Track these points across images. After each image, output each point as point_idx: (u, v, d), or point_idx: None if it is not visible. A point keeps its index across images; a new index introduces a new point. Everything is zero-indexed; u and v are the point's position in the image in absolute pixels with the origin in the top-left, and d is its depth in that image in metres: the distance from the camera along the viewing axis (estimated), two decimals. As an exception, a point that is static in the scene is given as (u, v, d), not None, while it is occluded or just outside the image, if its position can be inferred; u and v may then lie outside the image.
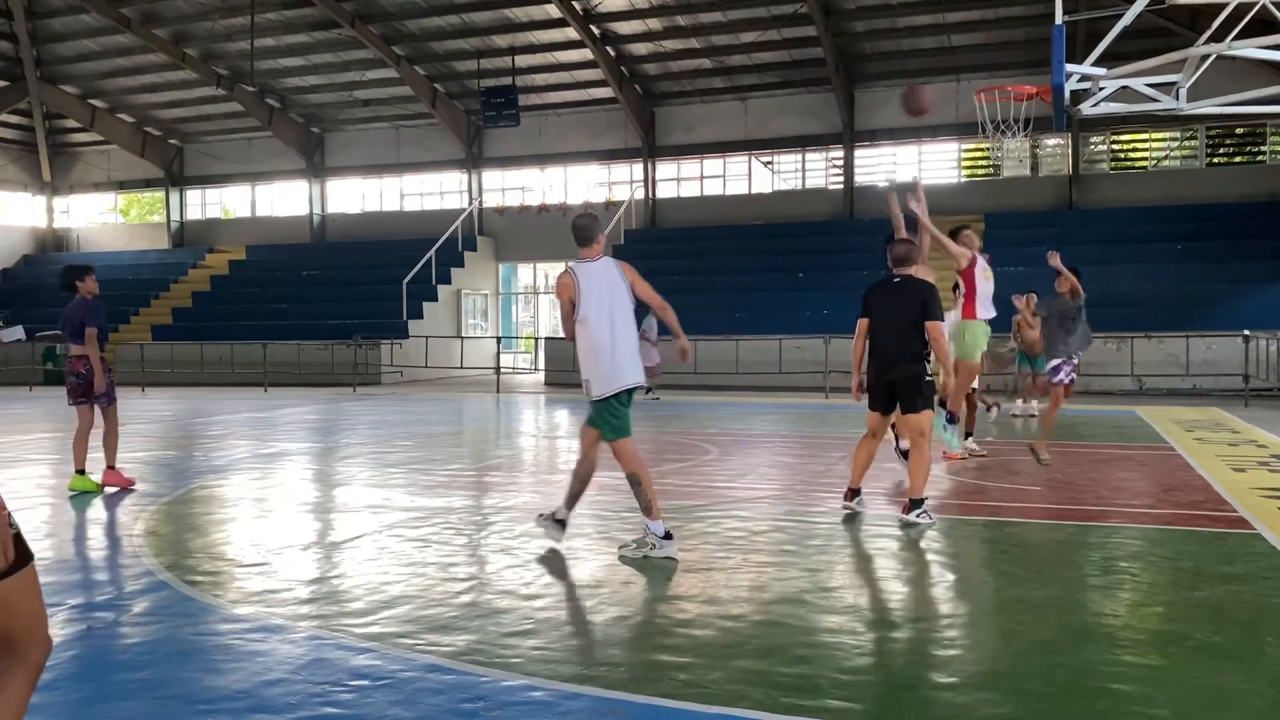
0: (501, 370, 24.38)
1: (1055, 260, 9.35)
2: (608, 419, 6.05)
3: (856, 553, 6.25)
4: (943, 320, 7.10)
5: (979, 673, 3.99)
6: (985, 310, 9.37)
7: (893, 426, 8.26)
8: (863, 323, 7.22)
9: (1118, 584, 5.41)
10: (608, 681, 3.88)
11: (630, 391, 6.09)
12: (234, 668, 4.09)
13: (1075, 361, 9.48)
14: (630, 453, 6.00)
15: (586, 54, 27.63)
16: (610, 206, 30.09)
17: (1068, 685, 3.82)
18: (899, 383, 7.00)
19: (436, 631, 4.56)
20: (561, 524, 6.26)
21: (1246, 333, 18.17)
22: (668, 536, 5.92)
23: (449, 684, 3.88)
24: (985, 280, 9.48)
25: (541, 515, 6.43)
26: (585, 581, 5.40)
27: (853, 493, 7.29)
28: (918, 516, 6.92)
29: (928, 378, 7.06)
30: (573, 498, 6.26)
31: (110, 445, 8.85)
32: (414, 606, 4.97)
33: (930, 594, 5.27)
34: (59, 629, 4.63)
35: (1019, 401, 15.67)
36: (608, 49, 27.61)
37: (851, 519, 7.13)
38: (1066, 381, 9.49)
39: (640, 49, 27.92)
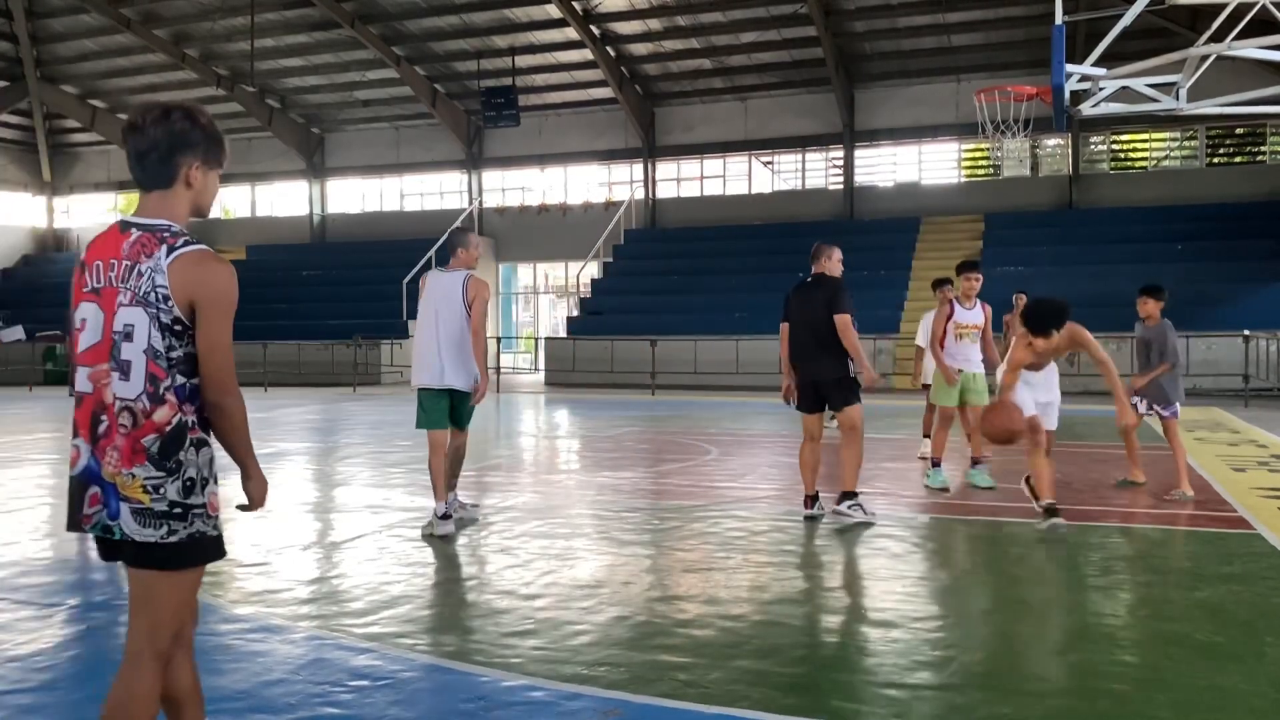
0: (502, 370, 24.38)
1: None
2: (418, 408, 6.85)
3: (856, 553, 6.25)
4: (851, 313, 6.98)
5: (979, 673, 3.99)
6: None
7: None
8: (783, 327, 7.32)
9: (1118, 584, 5.41)
10: (608, 681, 3.88)
11: (437, 391, 6.71)
12: (234, 668, 4.09)
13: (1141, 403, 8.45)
14: (432, 442, 6.74)
15: (586, 54, 27.63)
16: (610, 206, 30.09)
17: (1068, 685, 3.82)
18: (823, 384, 7.09)
19: (436, 631, 4.56)
20: (447, 518, 6.65)
21: (1246, 333, 18.17)
22: (445, 517, 6.59)
23: (449, 684, 3.88)
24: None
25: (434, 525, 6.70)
26: (585, 581, 5.40)
27: (811, 499, 7.22)
28: (849, 508, 6.95)
29: (850, 374, 7.04)
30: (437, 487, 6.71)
31: None
32: (414, 606, 4.97)
33: (930, 594, 5.27)
34: (59, 629, 4.64)
35: None
36: (608, 49, 27.61)
37: (815, 520, 7.09)
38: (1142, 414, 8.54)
39: (640, 49, 27.91)
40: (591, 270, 28.80)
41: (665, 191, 30.53)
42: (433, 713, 3.60)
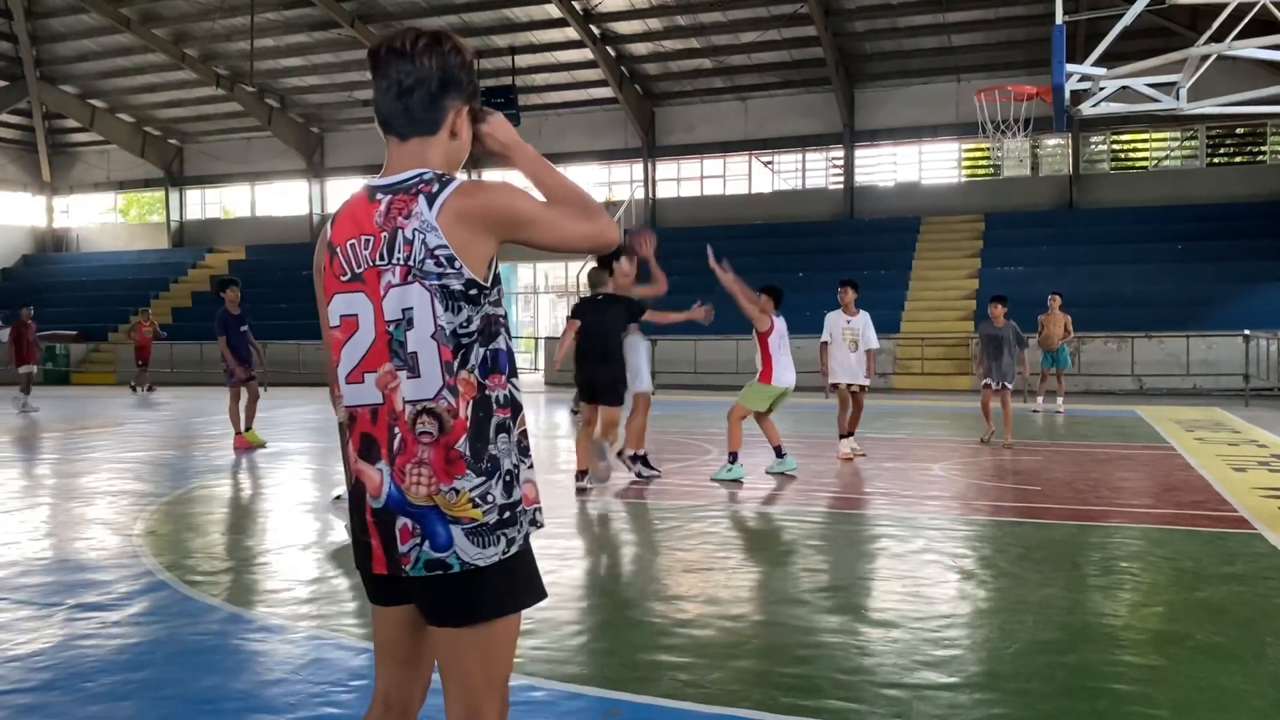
0: (501, 370, 24.36)
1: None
2: None
3: (856, 553, 6.25)
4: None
5: (979, 673, 3.99)
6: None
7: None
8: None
9: (1118, 584, 5.40)
10: (608, 681, 3.88)
11: None
12: (234, 668, 4.09)
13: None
14: None
15: (586, 54, 27.63)
16: (610, 206, 30.10)
17: (1068, 685, 3.81)
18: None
19: (436, 631, 4.55)
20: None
21: (1246, 333, 18.17)
22: None
23: (449, 684, 3.87)
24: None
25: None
26: (585, 581, 5.40)
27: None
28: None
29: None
30: None
31: (244, 413, 11.69)
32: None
33: (930, 594, 5.26)
34: (59, 629, 4.64)
35: (1039, 399, 15.88)
36: (608, 49, 27.60)
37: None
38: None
39: (640, 49, 27.91)
40: (591, 270, 28.77)
41: (665, 191, 30.53)
42: (432, 713, 3.59)
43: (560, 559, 5.95)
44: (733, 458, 8.91)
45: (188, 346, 26.84)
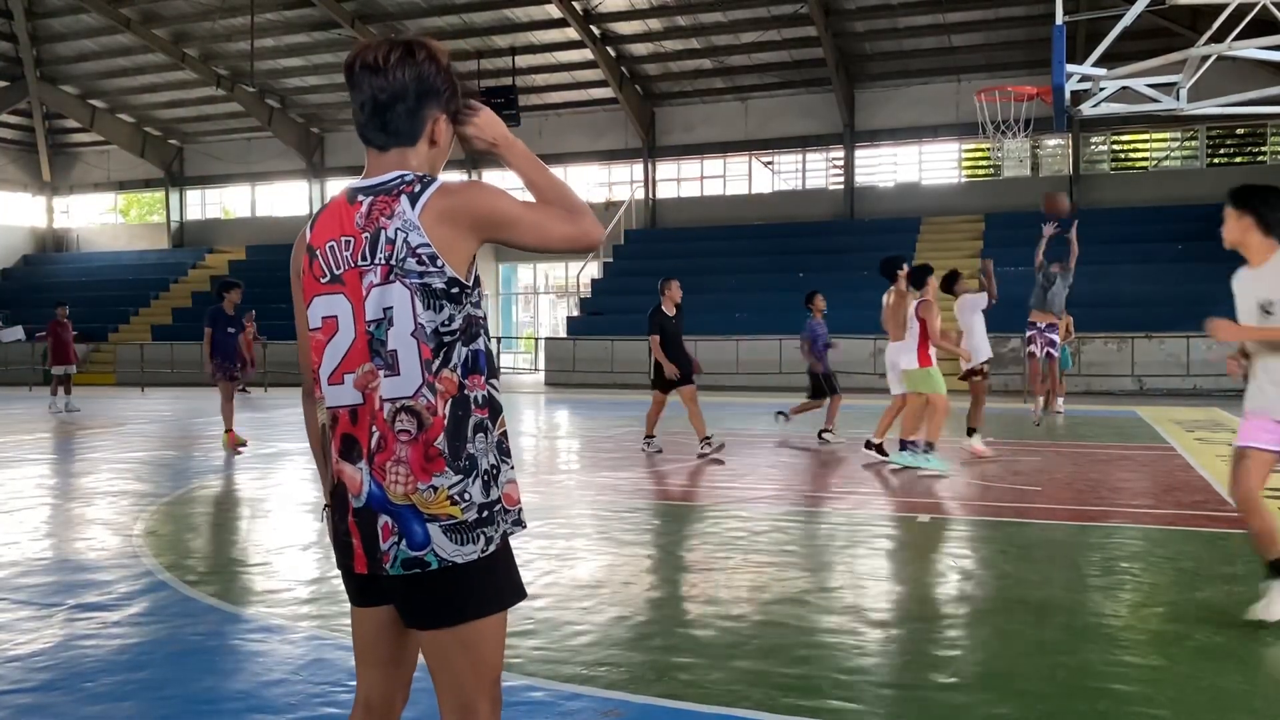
0: (501, 370, 24.37)
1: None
2: None
3: (856, 553, 6.25)
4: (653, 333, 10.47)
5: (979, 673, 3.99)
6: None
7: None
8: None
9: (1118, 584, 5.40)
10: (608, 681, 3.88)
11: None
12: (234, 668, 4.09)
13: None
14: None
15: (586, 54, 27.63)
16: (610, 207, 30.09)
17: (1068, 685, 3.81)
18: None
19: (436, 631, 4.55)
20: None
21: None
22: None
23: (449, 684, 3.87)
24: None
25: None
26: (585, 581, 5.39)
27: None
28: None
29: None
30: None
31: (224, 413, 11.69)
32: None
33: (930, 594, 5.26)
34: (59, 629, 4.64)
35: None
36: (608, 49, 27.61)
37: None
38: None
39: (640, 49, 27.91)
40: (591, 270, 28.79)
41: (665, 191, 30.53)
42: (432, 713, 3.59)
43: (560, 559, 5.95)
44: (928, 449, 9.28)
45: (188, 347, 26.81)
